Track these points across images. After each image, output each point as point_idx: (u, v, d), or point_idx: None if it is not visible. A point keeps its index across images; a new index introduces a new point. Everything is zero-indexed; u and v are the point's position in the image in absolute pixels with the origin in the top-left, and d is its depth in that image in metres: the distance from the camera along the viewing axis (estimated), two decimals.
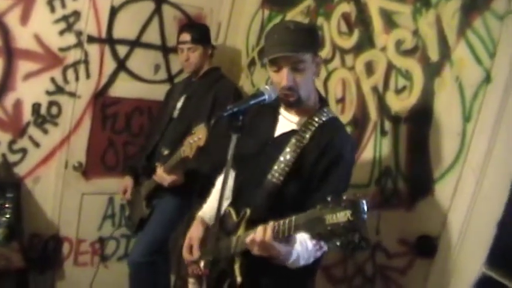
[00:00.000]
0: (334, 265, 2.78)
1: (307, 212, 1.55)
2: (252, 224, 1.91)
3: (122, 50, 3.54)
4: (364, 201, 1.39)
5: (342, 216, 1.40)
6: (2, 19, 3.11)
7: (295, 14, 3.26)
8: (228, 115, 1.81)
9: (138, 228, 3.33)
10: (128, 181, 3.45)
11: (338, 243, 1.42)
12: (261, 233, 1.72)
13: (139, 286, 3.24)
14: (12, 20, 3.14)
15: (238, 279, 1.95)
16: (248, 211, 1.98)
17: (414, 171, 2.45)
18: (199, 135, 2.56)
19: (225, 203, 2.21)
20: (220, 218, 1.99)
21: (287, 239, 1.72)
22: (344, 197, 1.42)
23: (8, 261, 2.80)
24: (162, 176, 2.99)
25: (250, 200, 2.01)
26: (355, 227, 1.38)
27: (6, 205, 2.93)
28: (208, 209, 2.37)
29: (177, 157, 2.78)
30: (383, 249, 2.55)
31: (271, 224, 1.71)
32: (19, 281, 2.87)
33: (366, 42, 2.74)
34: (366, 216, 1.38)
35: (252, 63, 3.67)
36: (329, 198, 1.44)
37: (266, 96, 1.89)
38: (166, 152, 3.00)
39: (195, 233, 2.30)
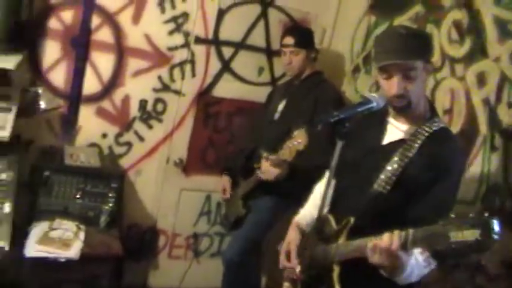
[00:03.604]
0: (432, 283, 2.68)
1: (427, 226, 1.49)
2: (354, 232, 1.88)
3: (227, 51, 3.60)
4: (495, 221, 1.31)
5: (470, 234, 1.33)
6: (115, 18, 3.27)
7: (403, 21, 3.17)
8: (334, 121, 1.80)
9: (233, 227, 3.38)
10: (226, 181, 3.49)
11: (460, 261, 1.37)
12: (388, 240, 1.65)
13: (231, 283, 3.28)
14: (124, 19, 3.30)
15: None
16: (352, 219, 1.94)
17: None
18: (299, 139, 2.54)
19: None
20: (319, 225, 1.97)
21: (405, 251, 1.66)
22: (471, 215, 1.35)
23: (107, 247, 2.91)
24: (268, 168, 2.96)
25: (353, 208, 1.97)
26: (483, 247, 1.31)
27: (110, 194, 3.05)
28: (305, 214, 2.35)
29: (277, 159, 2.79)
30: (484, 270, 2.41)
31: (396, 232, 1.64)
32: (115, 267, 2.98)
33: (478, 51, 2.62)
34: (497, 237, 1.30)
35: (356, 69, 3.61)
36: (453, 215, 1.37)
37: (374, 104, 1.86)
38: (265, 154, 3.01)
39: (292, 238, 2.26)
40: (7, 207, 2.59)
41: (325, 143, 2.14)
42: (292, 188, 2.99)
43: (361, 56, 3.56)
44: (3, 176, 2.68)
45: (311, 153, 2.53)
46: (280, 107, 3.30)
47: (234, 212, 3.35)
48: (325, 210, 2.16)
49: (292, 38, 3.21)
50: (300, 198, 2.51)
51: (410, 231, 1.58)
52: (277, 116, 3.28)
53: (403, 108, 1.94)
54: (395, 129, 2.03)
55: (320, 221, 1.88)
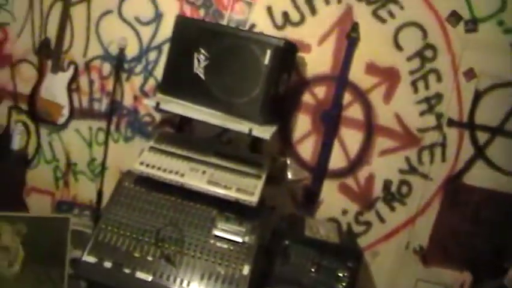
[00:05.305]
0: None
1: None
2: None
3: (482, 137, 3.37)
4: None
5: None
6: (367, 96, 3.33)
7: None
8: None
9: None
10: (466, 277, 3.21)
11: None
12: None
13: None
14: (376, 97, 3.34)
15: None
16: None
17: None
18: None
19: None
20: None
21: None
22: None
23: None
24: None
25: None
26: None
27: (345, 274, 2.97)
28: None
29: None
30: None
31: None
32: None
33: None
34: None
35: None
36: None
37: None
38: None
39: None
40: (246, 270, 2.68)
41: None
42: None
43: None
44: (247, 239, 2.80)
45: None
46: None
47: None
48: None
49: None
50: None
51: None
52: None
53: None
54: None
55: None
